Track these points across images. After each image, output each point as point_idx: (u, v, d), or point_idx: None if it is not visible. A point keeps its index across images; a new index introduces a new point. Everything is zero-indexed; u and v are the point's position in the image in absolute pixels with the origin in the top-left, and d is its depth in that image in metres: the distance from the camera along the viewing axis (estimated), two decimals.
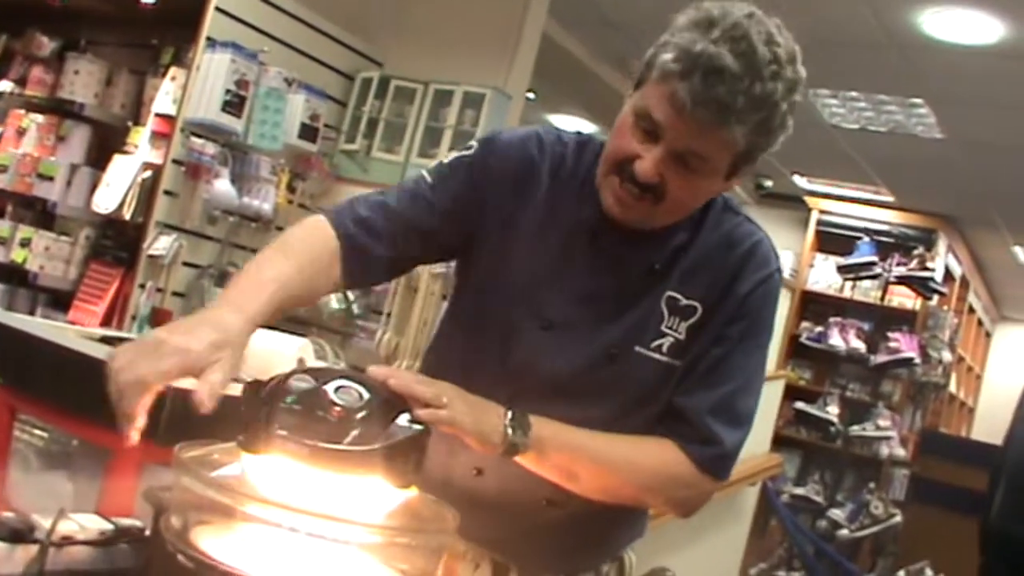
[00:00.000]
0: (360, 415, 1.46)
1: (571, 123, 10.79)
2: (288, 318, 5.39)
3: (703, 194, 1.90)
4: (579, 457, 1.85)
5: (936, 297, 10.03)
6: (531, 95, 7.89)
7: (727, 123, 1.72)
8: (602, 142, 1.97)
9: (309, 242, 1.91)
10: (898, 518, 8.69)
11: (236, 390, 1.53)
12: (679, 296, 1.93)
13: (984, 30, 5.89)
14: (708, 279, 1.94)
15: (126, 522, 1.68)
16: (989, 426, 13.06)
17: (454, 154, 2.06)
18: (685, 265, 1.94)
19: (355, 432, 1.43)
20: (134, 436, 1.56)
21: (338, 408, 1.45)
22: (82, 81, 5.59)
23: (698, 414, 1.91)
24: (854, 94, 7.52)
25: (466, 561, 1.95)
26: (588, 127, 10.68)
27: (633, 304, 1.93)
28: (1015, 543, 5.59)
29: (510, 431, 1.74)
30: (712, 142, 1.76)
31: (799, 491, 9.42)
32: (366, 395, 1.48)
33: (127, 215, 5.17)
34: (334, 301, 5.42)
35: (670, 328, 1.92)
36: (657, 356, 1.92)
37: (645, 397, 1.94)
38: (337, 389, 1.47)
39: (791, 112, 1.79)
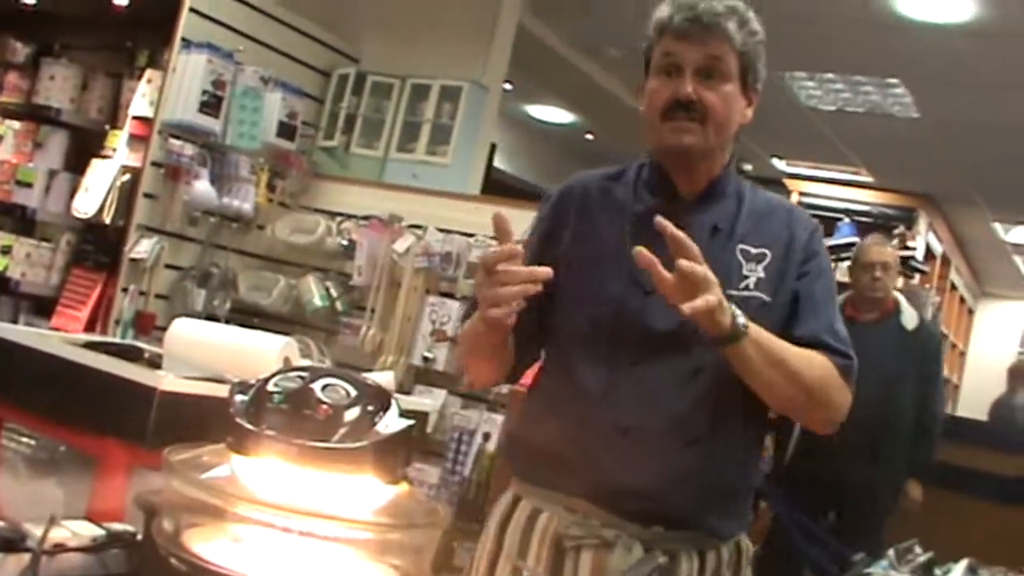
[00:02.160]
0: (347, 413, 1.46)
1: (550, 113, 10.81)
2: (272, 316, 5.40)
3: (732, 104, 2.28)
4: (776, 359, 2.18)
5: (918, 275, 10.06)
6: (508, 86, 7.89)
7: (717, 23, 2.21)
8: (641, 162, 2.42)
9: None
10: None
11: (223, 391, 1.53)
12: (749, 248, 2.30)
13: (957, 9, 5.92)
14: (767, 234, 2.32)
15: (117, 527, 1.68)
16: (974, 402, 13.12)
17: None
18: (744, 227, 2.32)
19: (343, 430, 1.44)
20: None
21: (325, 406, 1.45)
22: (58, 86, 5.58)
23: (820, 336, 2.28)
24: (830, 75, 7.54)
25: (618, 547, 2.21)
26: (565, 116, 10.72)
27: (713, 260, 2.14)
28: (801, 477, 5.73)
29: (738, 319, 2.09)
30: (716, 44, 2.22)
31: None
32: (353, 392, 1.49)
33: (107, 219, 5.16)
34: (317, 298, 5.43)
35: (751, 271, 2.29)
36: (747, 293, 2.25)
37: None
38: (324, 387, 1.47)
39: (760, 40, 2.29)
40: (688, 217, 2.25)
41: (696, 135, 2.25)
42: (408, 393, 4.87)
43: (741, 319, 2.10)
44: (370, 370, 4.68)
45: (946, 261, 11.69)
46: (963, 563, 3.26)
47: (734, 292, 2.21)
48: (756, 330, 2.13)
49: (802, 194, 10.51)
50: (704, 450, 2.23)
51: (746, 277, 2.28)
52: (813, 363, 2.24)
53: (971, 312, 14.52)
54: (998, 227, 11.31)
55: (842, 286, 9.35)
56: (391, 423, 1.48)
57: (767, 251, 2.30)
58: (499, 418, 4.80)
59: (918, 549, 3.32)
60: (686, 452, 2.23)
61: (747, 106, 2.33)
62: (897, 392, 5.70)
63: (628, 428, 2.23)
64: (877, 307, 5.79)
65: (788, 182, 10.56)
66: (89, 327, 5.11)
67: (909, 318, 5.85)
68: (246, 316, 5.38)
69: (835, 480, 5.75)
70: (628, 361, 2.26)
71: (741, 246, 2.31)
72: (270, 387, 1.48)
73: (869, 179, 10.25)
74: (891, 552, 3.21)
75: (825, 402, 2.28)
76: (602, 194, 2.42)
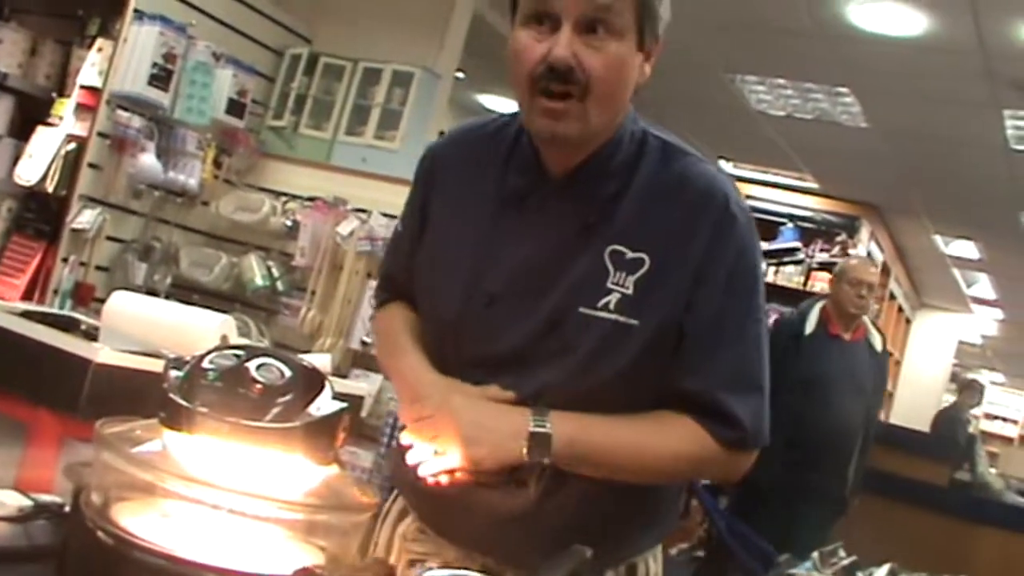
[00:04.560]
0: (281, 392, 1.47)
1: (501, 103, 10.80)
2: (212, 293, 5.37)
3: (625, 68, 1.81)
4: (606, 462, 1.84)
5: None
6: (460, 75, 7.89)
7: None
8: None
9: (397, 321, 2.12)
10: None
11: (158, 366, 1.53)
12: (624, 249, 1.83)
13: (909, 23, 5.98)
14: (655, 228, 1.85)
15: (45, 498, 1.68)
16: (908, 411, 13.29)
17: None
18: (625, 216, 1.85)
19: (276, 409, 1.44)
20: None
21: (259, 385, 1.46)
22: (6, 50, 5.49)
23: (710, 393, 1.84)
24: (781, 81, 7.59)
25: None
26: (516, 107, 10.69)
27: (573, 263, 1.85)
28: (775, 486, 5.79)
29: (527, 452, 1.77)
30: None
31: None
32: (288, 372, 1.49)
33: (50, 188, 5.10)
34: (259, 278, 5.40)
35: (616, 284, 1.82)
36: (604, 314, 1.82)
37: (601, 358, 1.84)
38: (259, 366, 1.48)
39: None
40: (554, 206, 1.89)
41: (574, 120, 1.79)
42: (344, 376, 4.87)
43: (537, 454, 1.76)
44: (308, 351, 4.67)
45: (886, 270, 11.81)
46: (885, 567, 3.32)
47: (585, 310, 1.83)
48: (578, 445, 1.79)
49: (747, 197, 10.57)
50: (538, 493, 1.87)
51: (608, 292, 1.82)
52: (671, 446, 1.86)
53: (908, 322, 14.68)
54: (939, 239, 11.43)
55: (779, 289, 9.36)
56: (324, 405, 1.49)
57: (646, 256, 1.83)
58: None
59: (841, 552, 3.37)
60: (514, 493, 1.87)
61: (645, 61, 1.85)
62: (869, 408, 6.03)
63: None
64: (853, 325, 5.91)
65: None
66: (27, 296, 5.06)
67: (877, 340, 6.05)
68: (186, 292, 5.35)
69: (810, 488, 5.86)
70: (463, 380, 1.90)
71: (613, 247, 1.84)
72: (205, 364, 1.49)
73: (814, 185, 10.34)
74: (815, 555, 3.26)
75: (697, 476, 1.96)
76: (474, 162, 2.01)
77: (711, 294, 1.84)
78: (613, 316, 1.82)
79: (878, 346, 6.04)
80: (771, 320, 9.56)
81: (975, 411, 14.55)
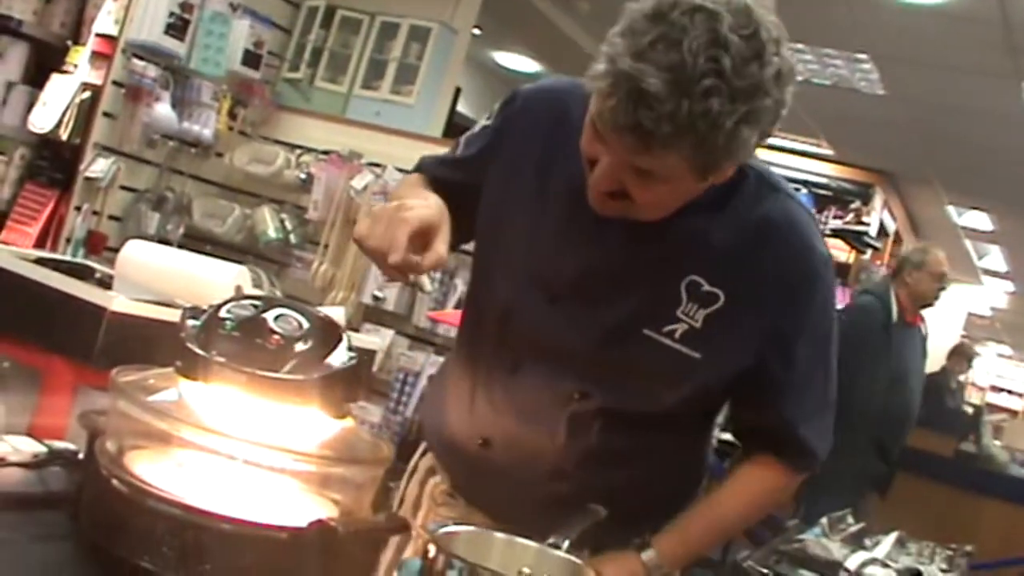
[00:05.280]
0: (298, 344, 1.46)
1: (516, 61, 10.76)
2: (224, 245, 5.37)
3: (678, 196, 1.69)
4: (714, 543, 1.97)
5: (869, 251, 10.16)
6: (477, 31, 7.85)
7: (652, 149, 1.52)
8: None
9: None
10: None
11: (173, 316, 1.52)
12: (703, 282, 1.75)
13: None
14: (736, 269, 1.76)
15: (60, 445, 1.67)
16: None
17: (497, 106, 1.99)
18: (710, 249, 1.76)
19: (293, 361, 1.43)
20: (424, 283, 1.68)
21: (277, 336, 1.45)
22: None
23: (790, 430, 1.87)
24: (800, 46, 7.53)
25: None
26: (533, 66, 10.66)
27: (647, 282, 1.78)
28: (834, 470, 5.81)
29: None
30: (649, 160, 1.56)
31: (726, 436, 9.51)
32: (305, 324, 1.48)
33: (64, 136, 5.10)
34: (272, 230, 5.40)
35: (686, 314, 1.76)
36: (668, 342, 1.76)
37: (659, 385, 1.81)
38: (277, 318, 1.47)
39: (751, 120, 1.53)
40: (640, 223, 1.73)
41: (618, 212, 1.69)
42: (356, 331, 4.87)
43: None
44: (320, 305, 4.67)
45: (898, 239, 11.79)
46: (893, 535, 3.33)
47: (649, 333, 1.77)
48: (686, 555, 1.91)
49: (762, 162, 10.54)
50: (572, 486, 1.86)
51: (676, 320, 1.75)
52: (762, 500, 1.97)
53: None
54: (951, 210, 11.40)
55: None
56: (341, 358, 1.48)
57: (720, 293, 1.75)
58: None
59: (850, 519, 3.38)
60: (549, 483, 1.88)
61: (708, 180, 1.64)
62: (919, 390, 6.08)
63: (487, 441, 1.90)
64: (918, 311, 5.88)
65: None
66: (39, 244, 5.06)
67: (925, 325, 6.05)
68: (199, 243, 5.35)
69: (866, 473, 5.85)
70: (507, 365, 1.88)
71: (692, 277, 1.75)
72: (222, 314, 1.48)
73: (829, 152, 10.30)
74: (824, 521, 3.27)
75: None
76: (559, 129, 1.82)
77: (794, 342, 1.81)
78: (676, 346, 1.76)
79: (925, 331, 6.08)
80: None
81: (977, 380, 14.50)
